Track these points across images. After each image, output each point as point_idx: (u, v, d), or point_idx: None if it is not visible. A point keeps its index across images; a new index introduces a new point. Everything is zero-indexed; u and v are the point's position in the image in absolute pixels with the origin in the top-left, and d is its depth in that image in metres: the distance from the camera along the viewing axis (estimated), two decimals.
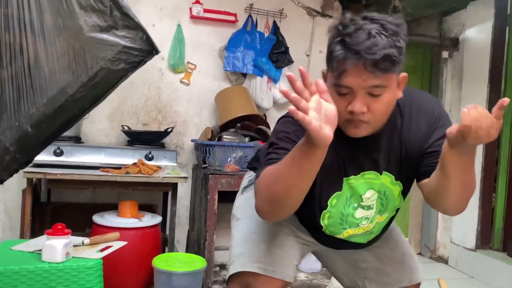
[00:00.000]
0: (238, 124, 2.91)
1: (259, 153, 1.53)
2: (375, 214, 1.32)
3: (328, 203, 1.27)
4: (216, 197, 2.53)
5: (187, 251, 3.04)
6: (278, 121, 1.27)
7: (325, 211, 1.29)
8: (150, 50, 1.12)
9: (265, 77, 3.15)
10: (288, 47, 3.17)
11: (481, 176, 3.37)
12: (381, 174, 1.26)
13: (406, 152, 1.25)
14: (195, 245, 2.80)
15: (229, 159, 2.70)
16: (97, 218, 2.46)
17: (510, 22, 3.29)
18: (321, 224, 1.32)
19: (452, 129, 1.00)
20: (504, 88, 3.35)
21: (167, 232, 2.70)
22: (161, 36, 3.03)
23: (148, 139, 2.79)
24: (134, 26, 1.05)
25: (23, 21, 0.98)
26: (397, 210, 1.39)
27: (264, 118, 3.12)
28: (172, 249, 2.61)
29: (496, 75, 3.35)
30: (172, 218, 2.55)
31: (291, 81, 0.91)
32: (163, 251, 2.70)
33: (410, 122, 1.24)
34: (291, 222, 1.40)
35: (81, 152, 2.53)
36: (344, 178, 1.25)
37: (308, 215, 1.33)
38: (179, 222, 3.08)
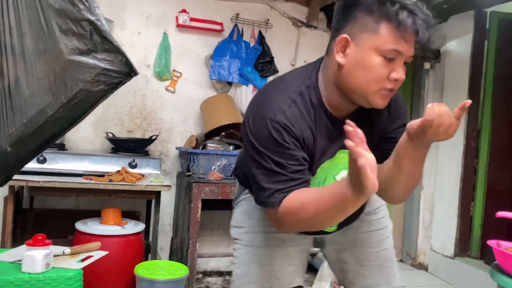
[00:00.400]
0: (223, 133, 2.94)
1: (240, 162, 1.47)
2: None
3: None
4: (200, 205, 2.56)
5: (170, 258, 3.05)
6: (253, 118, 1.14)
7: None
8: (129, 72, 1.15)
9: (251, 86, 3.18)
10: (274, 57, 3.22)
11: (460, 186, 3.45)
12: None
13: (373, 133, 1.25)
14: (178, 252, 2.81)
15: (213, 167, 2.73)
16: (80, 226, 2.46)
17: (488, 36, 3.39)
18: None
19: (414, 123, 1.03)
20: (483, 100, 3.44)
21: (150, 239, 2.71)
22: (147, 44, 3.06)
23: (132, 147, 2.80)
24: (113, 49, 1.08)
25: (4, 45, 1.00)
26: None
27: None
28: (155, 257, 2.63)
29: (475, 86, 3.44)
30: (155, 226, 2.57)
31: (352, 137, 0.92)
32: (146, 258, 2.71)
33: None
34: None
35: (64, 159, 2.53)
36: (325, 161, 1.22)
37: None
38: (162, 229, 3.09)
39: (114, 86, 1.13)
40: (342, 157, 1.21)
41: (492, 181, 3.43)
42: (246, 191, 1.39)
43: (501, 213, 1.58)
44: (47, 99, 1.03)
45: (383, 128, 1.26)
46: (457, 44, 3.56)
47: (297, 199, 1.07)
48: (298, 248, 1.41)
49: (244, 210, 1.38)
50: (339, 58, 1.10)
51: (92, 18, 1.04)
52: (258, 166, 1.11)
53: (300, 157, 1.12)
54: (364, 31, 1.07)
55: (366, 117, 1.22)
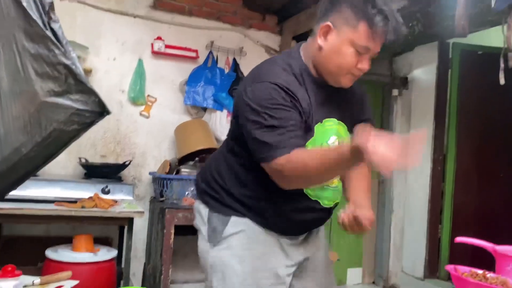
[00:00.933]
0: (197, 158, 2.98)
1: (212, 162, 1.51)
2: None
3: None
4: (173, 231, 2.57)
5: (143, 284, 3.02)
6: (253, 79, 1.29)
7: None
8: (102, 112, 1.19)
9: (225, 111, 3.24)
10: None
11: (428, 208, 3.57)
12: (339, 121, 1.41)
13: (352, 109, 1.45)
14: (151, 279, 2.79)
15: (186, 193, 2.75)
16: (50, 253, 2.43)
17: (451, 65, 3.57)
18: None
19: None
20: (448, 125, 3.60)
21: (123, 265, 2.69)
22: (122, 70, 3.09)
23: (105, 172, 2.79)
24: (87, 90, 1.12)
25: None
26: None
27: None
28: (127, 283, 2.60)
29: (441, 113, 3.60)
30: (127, 252, 2.55)
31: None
32: (119, 285, 2.68)
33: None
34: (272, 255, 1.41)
35: (35, 185, 2.50)
36: (315, 126, 1.34)
37: None
38: (135, 255, 3.06)
39: (87, 125, 1.16)
40: (329, 124, 1.38)
41: (458, 203, 3.56)
42: (233, 219, 1.39)
43: (459, 239, 1.66)
44: (22, 138, 1.06)
45: (356, 104, 1.48)
46: (423, 72, 3.74)
47: (301, 153, 1.19)
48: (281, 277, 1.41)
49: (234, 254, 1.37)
50: (320, 41, 1.31)
51: (67, 62, 1.08)
52: (258, 126, 1.23)
53: (297, 115, 1.26)
54: (345, 24, 1.27)
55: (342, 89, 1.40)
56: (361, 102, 1.50)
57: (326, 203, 1.42)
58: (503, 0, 1.70)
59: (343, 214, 1.26)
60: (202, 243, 1.45)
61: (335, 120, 1.39)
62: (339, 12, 1.29)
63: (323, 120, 1.36)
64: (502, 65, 1.74)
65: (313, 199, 1.39)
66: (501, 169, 3.61)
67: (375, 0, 1.26)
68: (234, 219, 1.39)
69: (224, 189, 1.41)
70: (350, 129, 1.40)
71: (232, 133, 1.43)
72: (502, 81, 1.74)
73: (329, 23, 1.29)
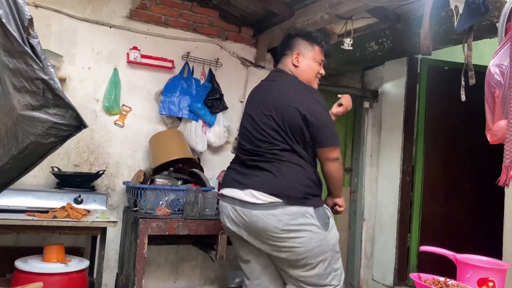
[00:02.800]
0: (172, 168, 2.99)
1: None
2: None
3: None
4: (146, 241, 2.56)
5: None
6: (316, 96, 2.09)
7: None
8: (79, 125, 1.20)
9: (200, 121, 3.26)
10: (223, 94, 3.33)
11: (398, 218, 3.68)
12: None
13: None
14: None
15: (160, 203, 2.75)
16: (20, 264, 2.39)
17: (420, 80, 3.72)
18: None
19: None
20: (416, 137, 3.73)
21: (95, 275, 2.66)
22: (97, 79, 3.09)
23: (78, 182, 2.77)
24: (64, 104, 1.13)
25: None
26: None
27: (198, 161, 3.22)
28: None
29: (409, 125, 3.74)
30: (100, 262, 2.53)
31: None
32: None
33: None
34: None
35: (6, 194, 2.43)
36: None
37: None
38: (107, 265, 3.04)
39: (64, 138, 1.18)
40: None
41: (426, 213, 3.68)
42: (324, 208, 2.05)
43: (423, 248, 1.74)
44: None
45: None
46: (393, 86, 3.87)
47: None
48: None
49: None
50: (296, 63, 2.14)
51: (45, 77, 1.09)
52: (331, 121, 2.08)
53: None
54: (306, 50, 2.15)
55: None
56: None
57: None
58: (464, 22, 1.80)
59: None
60: (318, 234, 1.94)
61: None
62: (298, 44, 2.16)
63: None
64: (463, 82, 1.84)
65: None
66: (466, 180, 3.76)
67: (314, 32, 2.18)
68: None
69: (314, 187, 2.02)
70: None
71: (302, 139, 2.00)
72: (463, 97, 1.84)
73: (297, 51, 2.14)
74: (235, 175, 2.08)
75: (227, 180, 2.13)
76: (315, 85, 2.16)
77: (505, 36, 1.60)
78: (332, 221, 2.04)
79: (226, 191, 2.08)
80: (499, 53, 1.58)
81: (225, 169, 3.33)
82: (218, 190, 3.13)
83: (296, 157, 1.98)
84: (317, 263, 1.96)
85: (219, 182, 3.27)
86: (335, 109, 2.29)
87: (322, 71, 2.18)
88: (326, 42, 2.17)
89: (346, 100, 2.29)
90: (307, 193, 1.95)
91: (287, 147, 1.97)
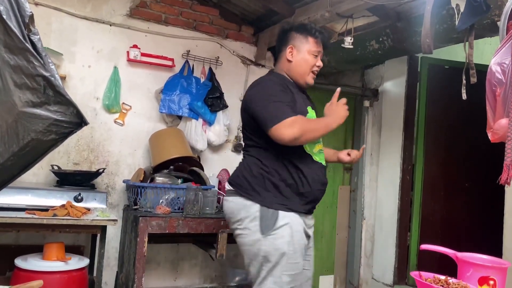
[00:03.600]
0: (172, 166, 2.98)
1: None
2: None
3: None
4: (146, 239, 2.56)
5: None
6: (258, 85, 2.02)
7: None
8: (80, 122, 1.20)
9: (200, 120, 3.26)
10: (223, 93, 3.33)
11: (398, 217, 3.68)
12: (312, 110, 2.06)
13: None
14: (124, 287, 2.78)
15: (161, 201, 2.75)
16: (20, 262, 2.38)
17: (420, 79, 3.71)
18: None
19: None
20: (416, 136, 3.73)
21: (95, 274, 2.66)
22: (97, 77, 3.08)
23: (78, 180, 2.77)
24: (65, 101, 1.13)
25: None
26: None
27: (198, 159, 3.22)
28: None
29: (410, 124, 3.73)
30: (100, 261, 2.53)
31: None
32: None
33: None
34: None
35: (6, 193, 2.44)
36: (307, 108, 2.03)
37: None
38: (107, 264, 3.04)
39: (65, 136, 1.18)
40: (310, 109, 2.04)
41: (426, 211, 3.69)
42: (283, 214, 1.92)
43: (424, 246, 1.74)
44: None
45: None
46: (393, 85, 3.87)
47: (302, 119, 1.91)
48: None
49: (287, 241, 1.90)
50: (289, 58, 2.06)
51: (46, 74, 1.09)
52: (273, 101, 1.87)
53: (291, 98, 1.95)
54: (300, 43, 2.05)
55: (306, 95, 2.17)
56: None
57: (323, 162, 2.07)
58: (465, 20, 1.80)
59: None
60: (253, 234, 1.91)
61: (310, 108, 2.06)
62: (293, 38, 2.07)
63: (307, 106, 2.04)
64: (464, 81, 1.83)
65: (318, 161, 2.02)
66: (466, 178, 3.76)
67: (308, 24, 2.13)
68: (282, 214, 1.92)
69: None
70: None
71: (256, 131, 1.97)
72: (464, 96, 1.84)
73: (291, 45, 2.06)
74: None
75: None
76: (308, 79, 2.06)
77: (506, 34, 1.60)
78: (283, 232, 1.88)
79: None
80: (500, 52, 1.57)
81: (225, 167, 3.36)
82: (218, 189, 3.13)
83: (257, 150, 1.99)
84: (249, 263, 1.95)
85: (219, 181, 3.27)
86: (342, 156, 2.26)
87: (319, 63, 2.06)
88: (320, 32, 2.06)
89: (355, 156, 2.24)
90: (258, 185, 1.92)
91: (250, 142, 2.06)
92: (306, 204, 1.97)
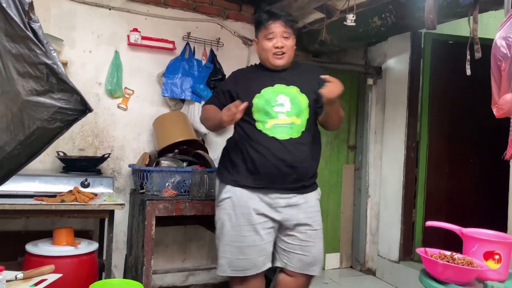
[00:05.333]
0: (176, 150, 2.99)
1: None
2: (290, 111, 2.10)
3: (253, 101, 2.12)
4: (153, 222, 2.59)
5: (124, 275, 3.05)
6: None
7: (253, 108, 2.12)
8: (84, 109, 1.21)
9: (203, 103, 3.24)
10: (225, 75, 3.30)
11: (402, 194, 3.69)
12: (288, 86, 2.15)
13: (305, 81, 2.18)
14: (133, 270, 2.82)
15: (167, 184, 2.77)
16: (31, 247, 2.43)
17: (423, 55, 3.67)
18: (254, 118, 2.12)
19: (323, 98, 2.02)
20: (421, 113, 3.71)
21: (104, 257, 2.70)
22: (98, 62, 3.07)
23: (84, 166, 2.78)
24: (69, 89, 1.13)
25: None
26: (313, 132, 2.21)
27: (202, 143, 3.23)
28: (109, 275, 2.62)
29: (413, 101, 3.71)
30: (109, 244, 2.57)
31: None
32: (100, 277, 2.70)
33: (306, 68, 2.33)
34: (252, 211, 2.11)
35: (13, 180, 2.41)
36: (262, 89, 2.14)
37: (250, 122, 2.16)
38: (116, 247, 3.08)
39: (70, 123, 1.18)
40: (280, 87, 2.15)
41: (430, 188, 3.69)
42: (227, 188, 2.16)
43: (429, 223, 1.75)
44: (5, 137, 1.07)
45: (312, 80, 2.17)
46: (396, 61, 3.83)
47: (209, 107, 2.27)
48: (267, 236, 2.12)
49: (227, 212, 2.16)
50: (255, 50, 2.28)
51: (49, 61, 1.09)
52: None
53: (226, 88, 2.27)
54: (257, 34, 2.23)
55: (289, 72, 2.23)
56: (316, 77, 2.12)
57: (281, 136, 2.08)
58: None
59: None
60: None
61: (284, 85, 2.15)
62: (256, 31, 2.27)
63: (274, 85, 2.15)
64: (468, 56, 1.82)
65: (271, 135, 2.08)
66: (471, 155, 3.75)
67: (259, 14, 2.24)
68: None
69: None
70: (307, 90, 2.16)
71: None
72: (468, 72, 1.83)
73: (254, 40, 2.29)
74: None
75: None
76: (273, 61, 2.15)
77: (511, 7, 1.57)
78: (225, 204, 2.17)
79: None
80: (505, 25, 1.55)
81: None
82: None
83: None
84: None
85: None
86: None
87: (278, 43, 2.12)
88: (265, 13, 2.17)
89: (327, 89, 2.00)
90: (221, 163, 2.30)
91: None
92: (259, 180, 2.09)
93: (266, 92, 2.14)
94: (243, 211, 2.11)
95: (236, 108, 1.96)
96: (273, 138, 2.08)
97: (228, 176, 2.18)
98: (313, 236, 2.17)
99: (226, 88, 2.26)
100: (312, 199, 2.19)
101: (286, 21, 2.14)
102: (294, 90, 2.15)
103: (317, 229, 2.19)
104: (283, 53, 2.14)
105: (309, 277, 2.22)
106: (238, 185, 2.13)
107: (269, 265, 2.17)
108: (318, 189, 2.28)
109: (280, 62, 2.15)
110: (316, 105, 2.17)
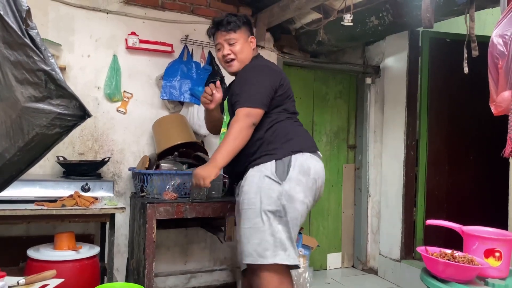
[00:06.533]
0: (176, 152, 3.00)
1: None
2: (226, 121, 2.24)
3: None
4: (155, 225, 2.59)
5: (126, 279, 3.05)
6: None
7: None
8: (83, 115, 1.21)
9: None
10: (224, 76, 3.31)
11: (403, 192, 3.69)
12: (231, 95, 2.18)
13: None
14: (135, 273, 2.82)
15: (167, 187, 2.76)
16: (32, 253, 2.42)
17: (421, 53, 3.68)
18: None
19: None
20: (420, 111, 3.71)
21: (106, 261, 2.70)
22: (96, 66, 3.07)
23: (84, 170, 2.78)
24: (67, 95, 1.14)
25: None
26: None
27: (202, 145, 3.23)
28: (111, 279, 2.62)
29: (412, 99, 3.71)
30: (110, 248, 2.57)
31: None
32: (102, 281, 2.70)
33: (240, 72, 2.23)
34: None
35: (14, 186, 2.41)
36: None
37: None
38: (118, 250, 3.08)
39: (69, 129, 1.19)
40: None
41: (431, 186, 3.70)
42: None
43: (430, 221, 1.76)
44: (5, 144, 1.08)
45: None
46: (394, 60, 3.83)
47: None
48: None
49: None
50: None
51: (47, 68, 1.09)
52: None
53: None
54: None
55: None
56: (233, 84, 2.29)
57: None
58: None
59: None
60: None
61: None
62: None
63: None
64: (465, 54, 1.82)
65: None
66: (470, 152, 3.76)
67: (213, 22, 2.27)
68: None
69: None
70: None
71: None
72: (466, 70, 1.83)
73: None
74: None
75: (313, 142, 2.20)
76: (227, 69, 2.26)
77: (507, 5, 1.58)
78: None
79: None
80: (502, 23, 1.55)
81: None
82: (223, 173, 3.15)
83: None
84: None
85: None
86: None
87: (225, 52, 2.19)
88: (212, 27, 2.26)
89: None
90: None
91: None
92: None
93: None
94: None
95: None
96: None
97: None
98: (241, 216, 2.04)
99: (282, 86, 2.16)
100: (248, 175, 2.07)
101: (226, 26, 2.17)
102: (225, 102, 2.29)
103: (243, 208, 2.03)
104: (231, 60, 2.20)
105: (251, 270, 2.00)
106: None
107: None
108: (264, 165, 2.03)
109: (230, 69, 2.24)
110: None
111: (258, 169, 2.00)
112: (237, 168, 2.12)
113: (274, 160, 1.98)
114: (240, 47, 2.18)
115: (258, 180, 1.97)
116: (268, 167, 1.97)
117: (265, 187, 1.94)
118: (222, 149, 1.94)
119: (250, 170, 2.04)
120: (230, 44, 2.18)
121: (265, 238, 1.89)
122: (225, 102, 2.29)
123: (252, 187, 1.98)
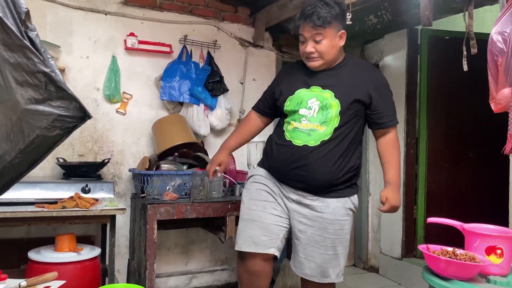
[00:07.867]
0: (176, 153, 2.99)
1: None
2: (315, 117, 1.96)
3: (286, 102, 2.05)
4: (155, 226, 2.59)
5: (128, 280, 3.05)
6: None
7: (285, 108, 2.06)
8: (83, 116, 1.21)
9: (202, 105, 3.25)
10: (223, 76, 3.31)
11: (403, 191, 3.69)
12: (323, 90, 1.98)
13: (344, 85, 1.98)
14: (136, 274, 2.82)
15: (167, 188, 2.77)
16: (33, 255, 2.42)
17: (420, 51, 3.68)
18: (286, 118, 2.08)
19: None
20: (419, 109, 3.71)
21: (107, 262, 2.70)
22: (95, 68, 3.07)
23: (84, 172, 2.78)
24: (67, 96, 1.14)
25: None
26: (340, 141, 2.01)
27: (201, 145, 3.23)
28: (112, 280, 2.62)
29: (412, 97, 3.71)
30: (111, 249, 2.57)
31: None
32: (104, 283, 2.70)
33: (353, 69, 2.04)
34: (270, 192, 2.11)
35: (14, 188, 2.40)
36: (296, 90, 2.04)
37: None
38: (119, 252, 3.08)
39: (69, 130, 1.19)
40: (315, 90, 2.01)
41: (431, 184, 3.69)
42: (255, 169, 2.28)
43: (431, 219, 1.76)
44: (5, 146, 1.08)
45: (360, 85, 1.99)
46: (393, 59, 3.83)
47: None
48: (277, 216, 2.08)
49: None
50: None
51: (47, 70, 1.09)
52: None
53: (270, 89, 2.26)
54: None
55: (329, 73, 2.04)
56: (364, 83, 2.00)
57: (297, 142, 1.98)
58: None
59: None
60: None
61: (320, 88, 2.00)
62: None
63: (310, 87, 2.02)
64: (464, 52, 1.82)
65: (288, 139, 2.01)
66: (470, 150, 3.76)
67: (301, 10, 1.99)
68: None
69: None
70: (342, 95, 1.97)
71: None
72: (465, 67, 1.83)
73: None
74: None
75: None
76: (309, 65, 2.03)
77: (506, 2, 1.58)
78: (248, 181, 2.26)
79: None
80: (501, 20, 1.56)
81: None
82: (224, 173, 3.14)
83: None
84: None
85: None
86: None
87: (307, 49, 1.97)
88: (301, 15, 1.97)
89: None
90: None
91: None
92: (274, 173, 2.13)
93: (299, 93, 2.03)
94: (256, 187, 2.15)
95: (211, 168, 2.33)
96: (290, 141, 2.01)
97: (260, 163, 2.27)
98: (320, 242, 2.03)
99: (277, 86, 2.19)
100: (333, 205, 2.05)
101: (316, 21, 1.89)
102: (327, 95, 1.97)
103: (326, 237, 2.03)
104: (314, 58, 1.98)
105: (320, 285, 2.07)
106: (263, 167, 2.19)
107: (273, 250, 2.06)
108: (351, 198, 2.15)
109: (313, 64, 2.00)
110: (352, 112, 2.01)
111: (347, 201, 2.15)
112: (316, 185, 2.03)
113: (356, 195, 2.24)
114: (326, 45, 1.94)
115: (344, 212, 2.13)
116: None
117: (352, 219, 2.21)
118: (398, 167, 2.26)
119: (340, 200, 2.11)
120: (315, 41, 1.94)
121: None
122: (302, 94, 2.03)
123: (340, 218, 2.10)
